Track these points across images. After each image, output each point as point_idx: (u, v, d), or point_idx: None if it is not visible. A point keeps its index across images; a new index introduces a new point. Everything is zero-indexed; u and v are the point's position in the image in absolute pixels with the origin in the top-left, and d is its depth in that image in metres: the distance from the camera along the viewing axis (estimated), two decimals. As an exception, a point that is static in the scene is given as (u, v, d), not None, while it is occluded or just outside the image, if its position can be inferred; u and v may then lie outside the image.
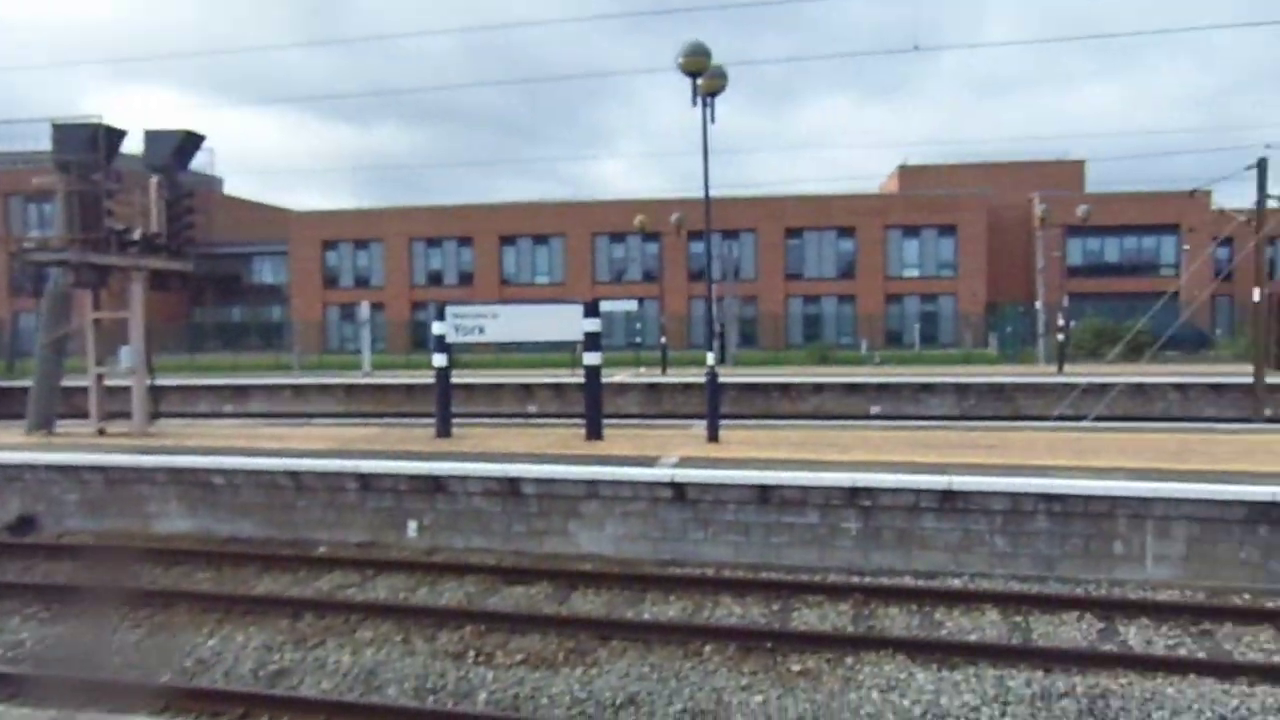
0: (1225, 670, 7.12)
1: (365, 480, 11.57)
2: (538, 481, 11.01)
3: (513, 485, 11.05)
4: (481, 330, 13.25)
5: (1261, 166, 19.42)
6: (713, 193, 13.53)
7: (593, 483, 10.87)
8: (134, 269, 14.58)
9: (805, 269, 49.29)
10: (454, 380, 14.93)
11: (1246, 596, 9.02)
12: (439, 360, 13.57)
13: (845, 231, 49.09)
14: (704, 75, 12.44)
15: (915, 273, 48.98)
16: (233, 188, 61.54)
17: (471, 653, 7.97)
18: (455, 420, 14.70)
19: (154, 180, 14.91)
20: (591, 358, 13.21)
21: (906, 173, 54.07)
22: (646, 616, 8.83)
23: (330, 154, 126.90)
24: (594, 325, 13.08)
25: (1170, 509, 9.46)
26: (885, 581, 9.62)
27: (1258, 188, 19.51)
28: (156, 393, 16.21)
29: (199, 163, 16.58)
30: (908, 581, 9.63)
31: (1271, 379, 20.46)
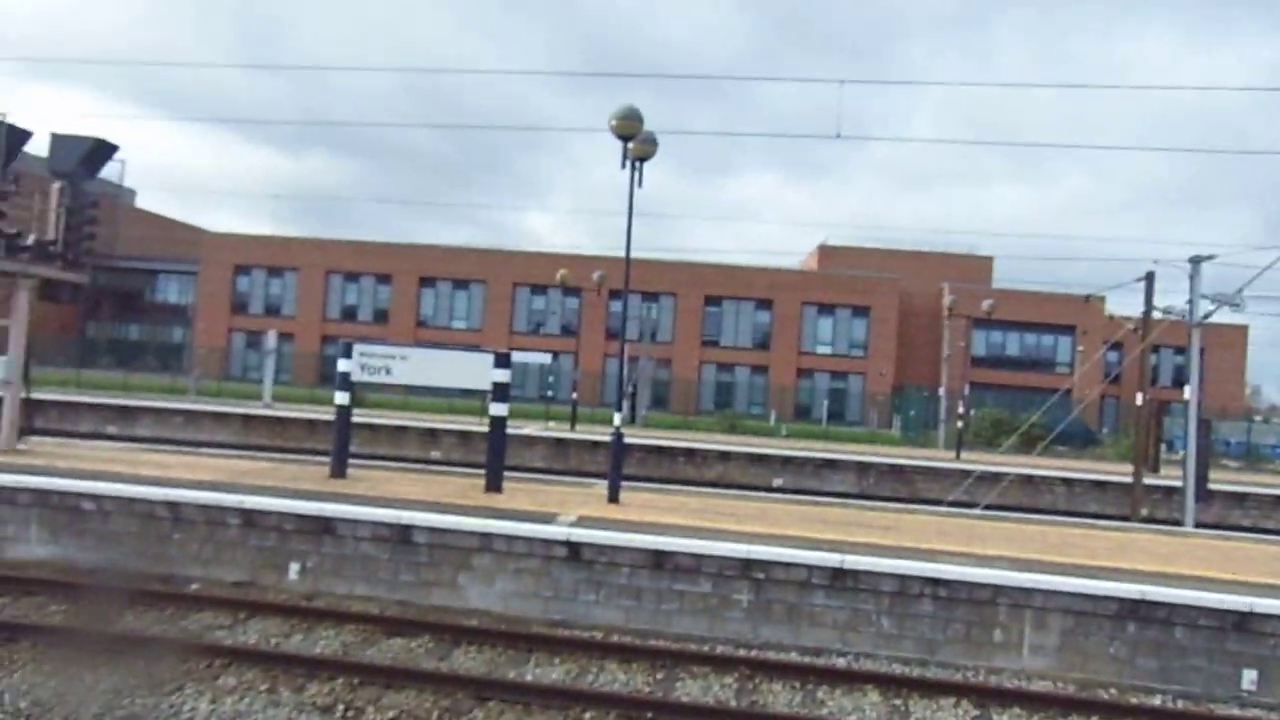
0: (1089, 764, 7.28)
1: (249, 516, 11.08)
2: (431, 530, 10.72)
3: (404, 533, 10.73)
4: (389, 371, 12.97)
5: (1149, 280, 20.62)
6: (636, 255, 13.68)
7: (487, 535, 10.64)
8: (21, 275, 13.86)
9: (722, 337, 50.04)
10: (358, 420, 14.59)
11: (1113, 691, 9.29)
12: (341, 398, 13.20)
13: (763, 304, 50.14)
14: (635, 139, 12.63)
15: (828, 350, 50.21)
16: (146, 202, 59.59)
17: (341, 707, 7.61)
18: (354, 461, 14.28)
19: (56, 186, 14.29)
20: (498, 408, 13.04)
21: (826, 252, 55.71)
22: (529, 678, 8.61)
23: (254, 178, 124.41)
24: (503, 376, 12.94)
25: (1048, 600, 9.73)
26: (772, 656, 9.60)
27: (1145, 299, 20.68)
28: (32, 407, 15.33)
29: (110, 173, 16.01)
30: (794, 658, 9.64)
31: (1149, 480, 21.45)
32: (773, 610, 10.19)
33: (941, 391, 38.55)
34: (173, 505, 11.23)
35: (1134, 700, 9.01)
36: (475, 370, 13.25)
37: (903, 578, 9.95)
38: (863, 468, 25.69)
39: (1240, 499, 25.60)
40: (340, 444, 13.44)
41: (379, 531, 10.77)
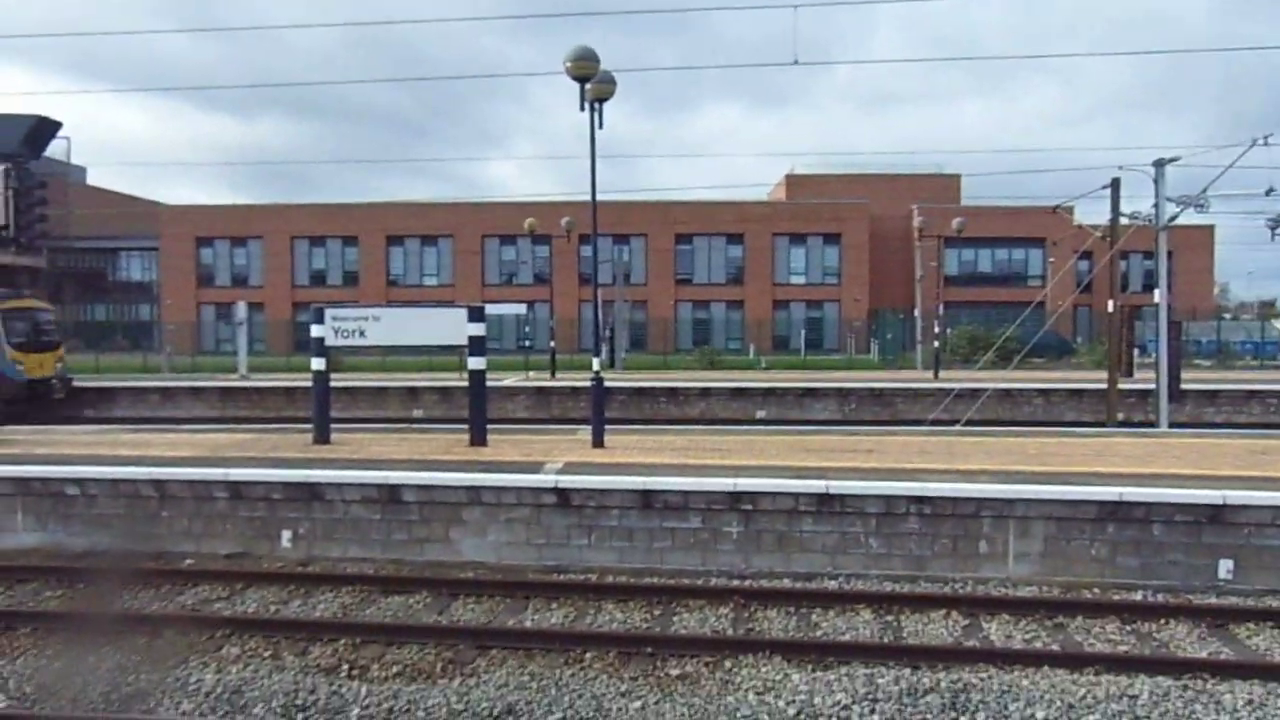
0: (1075, 661, 7.52)
1: (236, 489, 11.07)
2: (419, 488, 10.77)
3: (393, 492, 10.78)
4: (362, 334, 12.89)
5: (1115, 186, 20.67)
6: (605, 197, 13.57)
7: (475, 489, 10.71)
8: (-22, 264, 13.58)
9: (695, 274, 49.96)
10: (337, 384, 14.51)
11: (1096, 590, 9.57)
12: (317, 364, 13.13)
13: (734, 238, 50.01)
14: (592, 80, 12.43)
15: (801, 280, 50.29)
16: (98, 179, 58.19)
17: (345, 666, 7.71)
18: (336, 426, 14.26)
19: (0, 168, 13.93)
20: (475, 362, 13.03)
21: (793, 181, 55.44)
22: (528, 624, 8.75)
23: (209, 146, 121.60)
24: (478, 329, 12.89)
25: (1030, 509, 9.96)
26: (765, 584, 9.79)
27: (1111, 206, 20.76)
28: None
29: (55, 151, 15.60)
30: (786, 584, 9.83)
31: (1124, 385, 21.81)
32: (763, 540, 10.37)
33: (917, 313, 38.82)
34: (159, 483, 11.20)
35: (1116, 598, 9.29)
36: (450, 326, 13.19)
37: (888, 498, 10.13)
38: (843, 394, 25.94)
39: (1212, 396, 26.12)
40: (320, 410, 13.41)
41: (367, 493, 10.81)
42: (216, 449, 13.15)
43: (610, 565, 10.48)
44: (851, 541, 10.23)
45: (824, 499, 10.18)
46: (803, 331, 47.21)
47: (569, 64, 12.10)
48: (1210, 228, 52.88)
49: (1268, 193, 19.13)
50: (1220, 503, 9.64)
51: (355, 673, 7.60)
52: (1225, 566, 9.66)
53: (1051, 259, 48.26)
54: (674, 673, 7.56)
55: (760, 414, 25.15)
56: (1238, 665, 7.43)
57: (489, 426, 13.67)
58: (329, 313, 12.99)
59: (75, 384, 25.78)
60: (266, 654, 7.98)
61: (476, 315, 13.02)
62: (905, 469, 11.22)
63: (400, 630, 8.37)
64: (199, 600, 9.49)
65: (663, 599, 9.35)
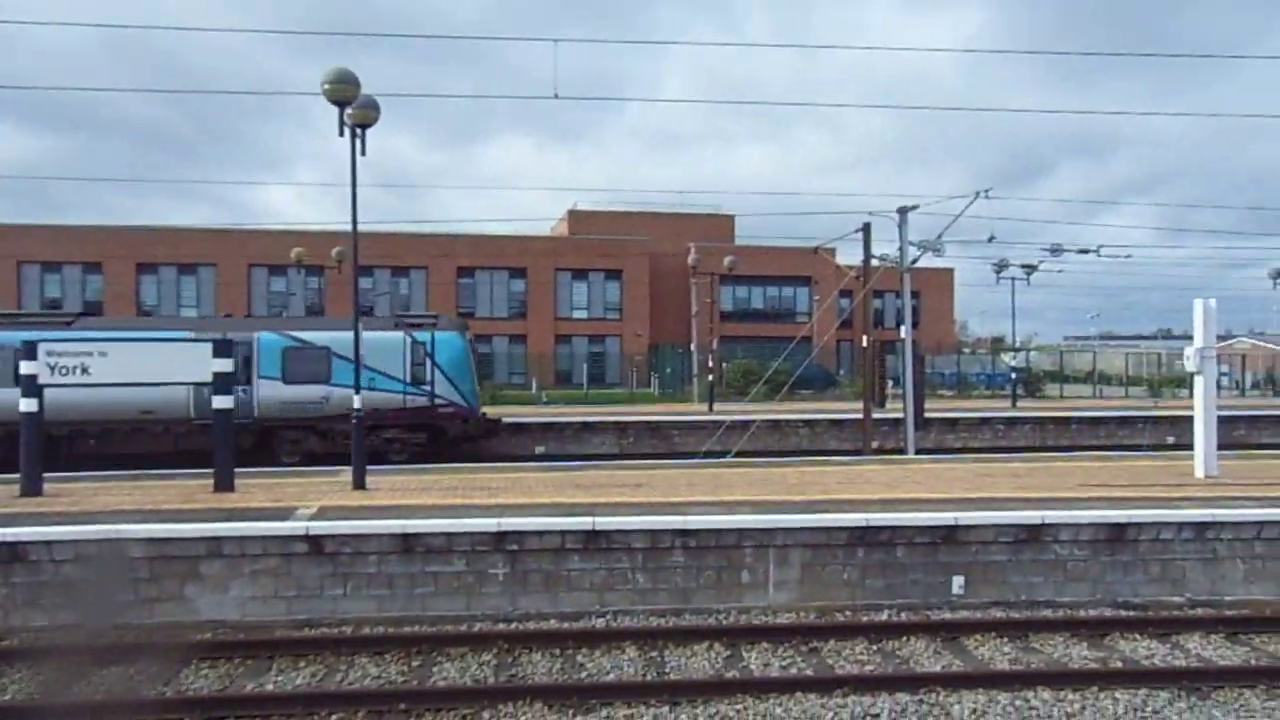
0: (826, 685, 7.77)
1: (-85, 552, 9.47)
2: (148, 542, 9.67)
3: (115, 548, 9.60)
4: (85, 370, 11.50)
5: (866, 230, 22.33)
6: (387, 228, 12.98)
7: (216, 539, 9.75)
8: None
9: (478, 307, 49.24)
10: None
11: (848, 613, 10.03)
12: (27, 406, 11.55)
13: (517, 272, 49.82)
14: (353, 105, 11.88)
15: (584, 314, 50.78)
16: None
17: (39, 756, 6.68)
18: (52, 475, 12.64)
19: None
20: (221, 401, 11.95)
21: (576, 217, 56.09)
22: (269, 688, 7.99)
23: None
24: (225, 366, 11.87)
25: (788, 538, 10.31)
26: (531, 627, 9.53)
27: (864, 248, 22.40)
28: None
29: None
30: (553, 625, 9.61)
31: (877, 414, 23.43)
32: (530, 580, 10.10)
33: (694, 347, 40.14)
34: None
35: (865, 619, 9.76)
36: (192, 361, 12.05)
37: (654, 532, 10.16)
38: (621, 427, 26.26)
39: (953, 424, 28.68)
40: (31, 457, 11.79)
41: (83, 550, 9.56)
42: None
43: (368, 615, 9.84)
44: (619, 578, 10.16)
45: (591, 535, 10.07)
46: (585, 365, 47.61)
47: (326, 86, 11.49)
48: (950, 270, 58.44)
49: (989, 239, 21.30)
50: (953, 523, 10.40)
51: (51, 762, 6.60)
52: (958, 583, 10.42)
53: (816, 296, 51.55)
54: (428, 730, 7.12)
55: (539, 449, 24.95)
56: (965, 677, 7.95)
57: (246, 470, 12.58)
58: (43, 346, 11.52)
59: None
60: (-63, 749, 6.78)
61: (223, 350, 11.99)
62: (672, 502, 11.34)
63: (111, 709, 7.38)
64: None
65: (423, 649, 8.85)
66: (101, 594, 9.60)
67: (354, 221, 12.65)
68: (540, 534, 10.02)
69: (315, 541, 9.82)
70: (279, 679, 8.19)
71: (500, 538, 9.98)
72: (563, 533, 10.05)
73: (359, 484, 12.38)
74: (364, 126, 12.14)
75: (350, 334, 14.01)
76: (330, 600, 9.88)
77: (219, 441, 12.20)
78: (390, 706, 7.43)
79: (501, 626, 9.52)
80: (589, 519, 10.15)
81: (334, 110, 11.85)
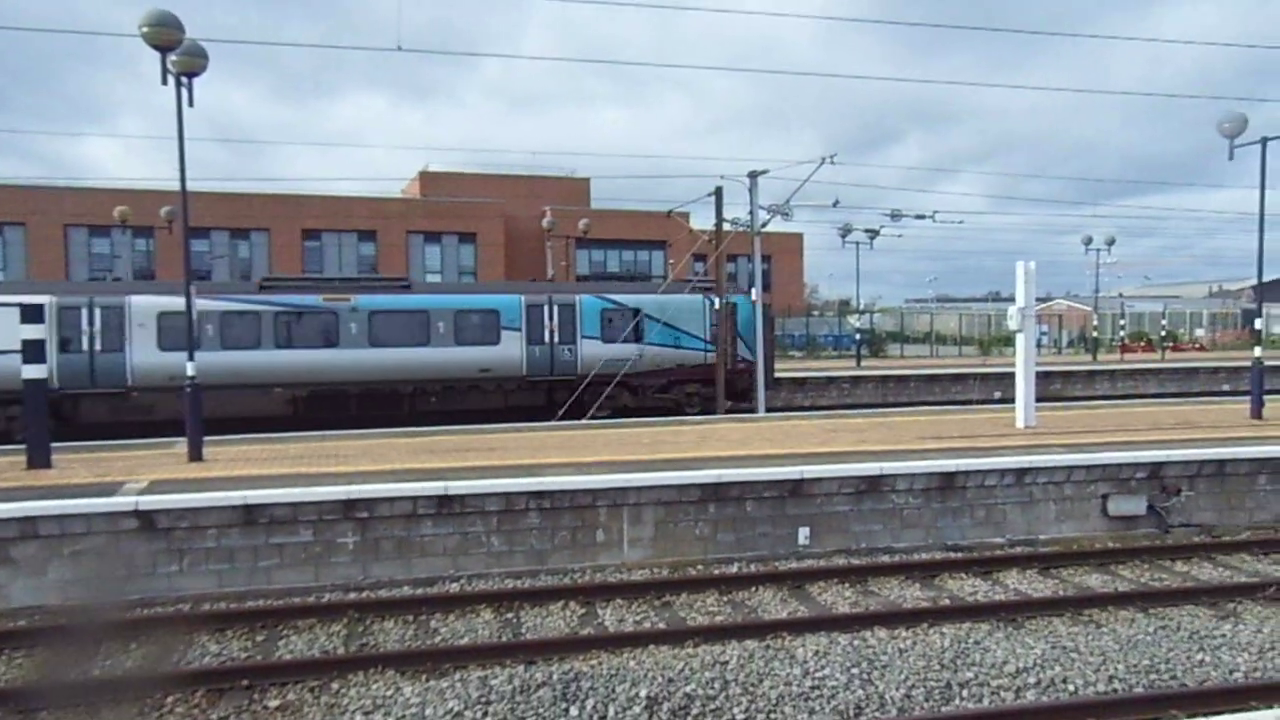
0: (678, 637, 7.97)
1: None
2: (-51, 525, 8.86)
3: (-89, 533, 8.76)
4: None
5: (718, 194, 22.71)
6: (225, 187, 12.13)
7: (29, 520, 9.04)
8: None
9: (325, 271, 47.24)
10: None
11: (700, 568, 10.30)
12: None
13: (366, 235, 48.05)
14: (175, 51, 11.04)
15: (437, 277, 49.58)
16: None
17: None
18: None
19: None
20: (32, 370, 11.00)
21: (428, 178, 54.47)
22: (95, 673, 7.51)
23: None
24: (36, 332, 10.93)
25: (641, 496, 10.47)
26: (384, 594, 9.33)
27: (716, 212, 22.78)
28: None
29: None
30: (406, 592, 9.44)
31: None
32: (381, 547, 9.88)
33: (551, 311, 39.84)
34: None
35: (716, 572, 10.05)
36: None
37: (508, 495, 10.11)
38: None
39: (801, 383, 29.76)
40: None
41: (-127, 537, 8.68)
42: None
43: (209, 591, 9.41)
44: (473, 541, 10.08)
45: (444, 500, 9.92)
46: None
47: (145, 29, 10.62)
48: (800, 235, 60.24)
49: (834, 204, 22.07)
50: (799, 478, 10.82)
51: None
52: (804, 534, 10.88)
53: (671, 260, 52.14)
54: (273, 704, 6.88)
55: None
56: (808, 621, 8.33)
57: (52, 445, 11.67)
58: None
59: None
60: None
61: (33, 315, 11.03)
62: (526, 465, 11.30)
63: (-88, 704, 6.77)
64: None
65: (267, 623, 8.54)
66: (-103, 583, 8.76)
67: (182, 177, 11.85)
68: (391, 500, 9.80)
69: (146, 517, 9.27)
70: (107, 663, 7.73)
71: (349, 505, 9.70)
72: (414, 498, 9.86)
73: (195, 455, 11.72)
74: (190, 75, 11.32)
75: (659, 298, 17.81)
76: (165, 578, 9.39)
77: (33, 413, 11.26)
78: (233, 684, 7.13)
79: (352, 596, 9.29)
80: (441, 483, 9.99)
81: (157, 56, 11.00)
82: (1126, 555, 10.62)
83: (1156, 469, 11.82)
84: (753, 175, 21.59)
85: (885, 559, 10.58)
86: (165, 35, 10.60)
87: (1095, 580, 9.88)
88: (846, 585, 9.61)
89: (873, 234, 32.57)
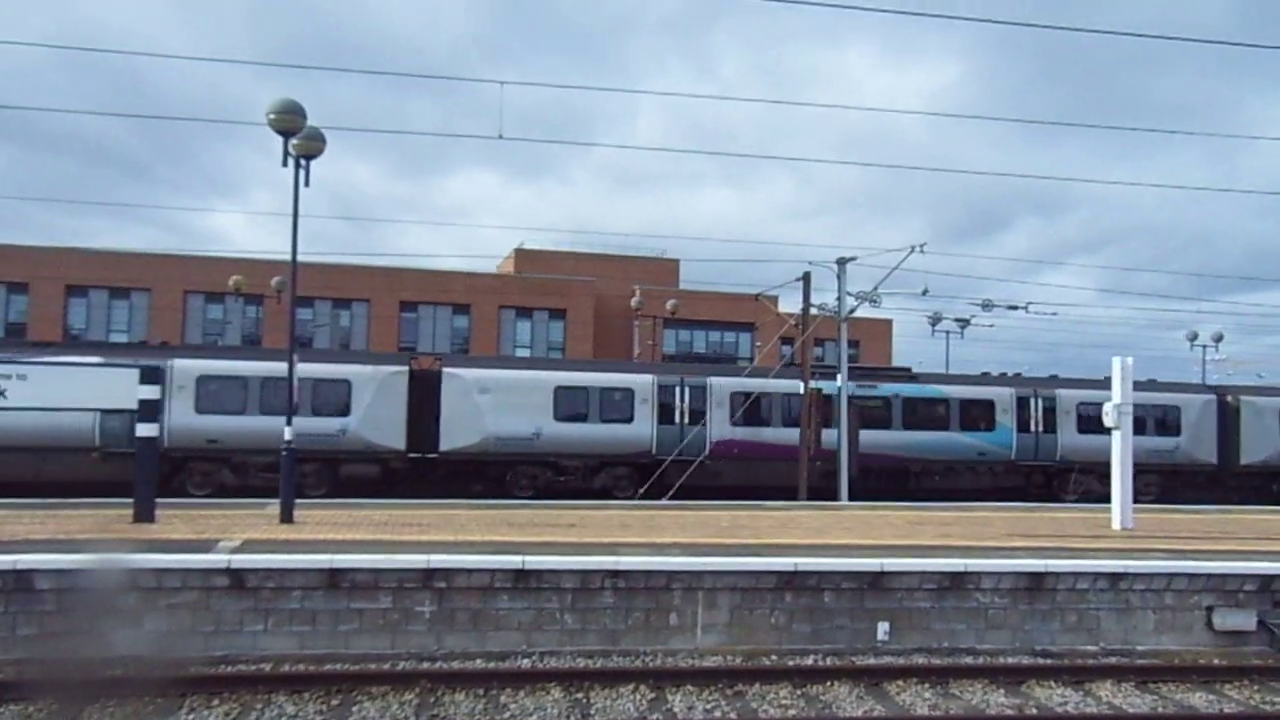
0: (749, 729, 7.80)
1: None
2: (56, 574, 9.35)
3: (19, 579, 9.26)
4: (1, 394, 11.16)
5: (806, 280, 22.78)
6: (336, 259, 12.86)
7: (131, 572, 9.47)
8: None
9: (420, 342, 48.76)
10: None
11: (774, 657, 10.08)
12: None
13: (461, 308, 49.56)
14: (297, 135, 11.86)
15: (527, 352, 50.61)
16: None
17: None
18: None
19: None
20: (145, 429, 11.66)
21: (523, 255, 56.15)
22: (180, 727, 7.75)
23: None
24: (151, 393, 11.61)
25: (717, 581, 10.36)
26: (456, 665, 9.40)
27: (803, 297, 22.83)
28: None
29: None
30: (479, 664, 9.49)
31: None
32: (457, 618, 9.98)
33: (636, 389, 40.12)
34: None
35: (790, 663, 9.82)
36: (117, 387, 11.76)
37: (584, 573, 10.14)
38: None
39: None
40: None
41: (-10, 580, 9.21)
42: None
43: (289, 652, 9.62)
44: (547, 618, 10.10)
45: (520, 574, 10.01)
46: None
47: (271, 116, 11.46)
48: (889, 321, 59.66)
49: (923, 293, 21.88)
50: (879, 570, 10.57)
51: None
52: (883, 628, 10.56)
53: (758, 342, 52.14)
54: (343, 771, 6.97)
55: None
56: (886, 722, 8.04)
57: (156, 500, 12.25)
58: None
59: None
60: None
61: (151, 376, 11.74)
62: (603, 543, 11.34)
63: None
64: None
65: (343, 686, 8.68)
66: (7, 625, 9.23)
67: (294, 250, 12.57)
68: (469, 571, 9.93)
69: (237, 575, 9.60)
70: (189, 717, 7.96)
71: (428, 574, 9.86)
72: (492, 571, 9.97)
73: (287, 517, 12.14)
74: (308, 157, 12.13)
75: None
76: (250, 636, 9.64)
77: (143, 469, 11.89)
78: (305, 747, 7.26)
79: (425, 665, 9.38)
80: (519, 557, 10.10)
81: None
82: (1234, 674, 9.97)
83: (1268, 582, 11.14)
84: (841, 262, 21.65)
85: (968, 660, 10.17)
86: (289, 122, 11.41)
87: (1199, 699, 9.29)
88: (926, 686, 9.26)
89: (963, 323, 32.04)
